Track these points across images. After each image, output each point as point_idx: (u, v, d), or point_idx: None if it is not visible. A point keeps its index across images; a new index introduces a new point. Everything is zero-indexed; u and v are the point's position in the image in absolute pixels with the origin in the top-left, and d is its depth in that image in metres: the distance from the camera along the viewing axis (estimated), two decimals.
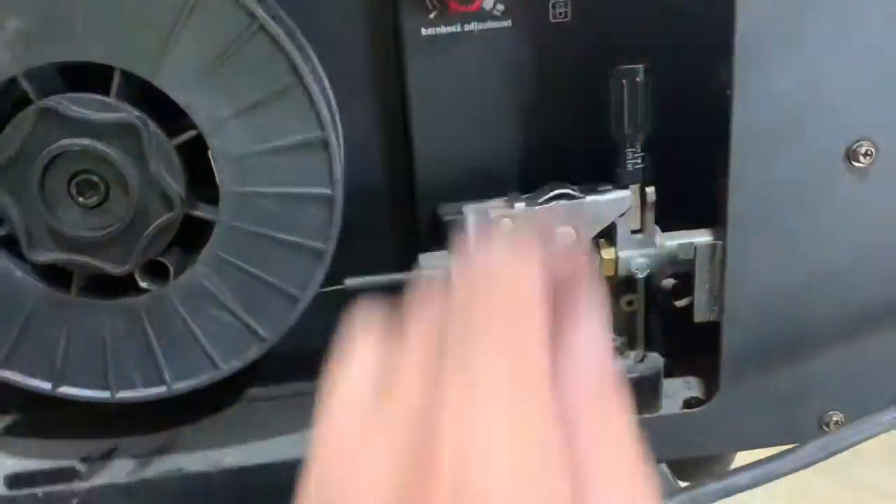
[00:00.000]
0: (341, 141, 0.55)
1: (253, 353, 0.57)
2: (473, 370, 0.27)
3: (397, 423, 0.27)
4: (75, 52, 0.49)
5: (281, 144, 0.52)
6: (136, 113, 0.50)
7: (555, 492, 0.25)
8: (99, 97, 0.50)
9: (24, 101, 0.50)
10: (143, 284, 0.55)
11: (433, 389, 0.27)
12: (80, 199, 0.51)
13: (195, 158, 0.53)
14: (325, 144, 0.52)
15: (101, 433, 0.61)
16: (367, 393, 0.30)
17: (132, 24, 0.49)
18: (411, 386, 0.28)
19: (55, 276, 0.55)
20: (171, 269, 0.54)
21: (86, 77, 0.51)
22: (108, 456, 0.59)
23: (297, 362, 0.64)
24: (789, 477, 0.51)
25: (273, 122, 0.51)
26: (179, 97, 0.50)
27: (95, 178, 0.51)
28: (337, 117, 0.55)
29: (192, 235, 0.55)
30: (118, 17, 0.49)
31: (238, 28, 0.49)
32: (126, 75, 0.50)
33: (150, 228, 0.52)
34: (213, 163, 0.52)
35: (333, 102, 0.55)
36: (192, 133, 0.51)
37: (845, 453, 0.51)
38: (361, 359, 0.31)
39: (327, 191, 0.53)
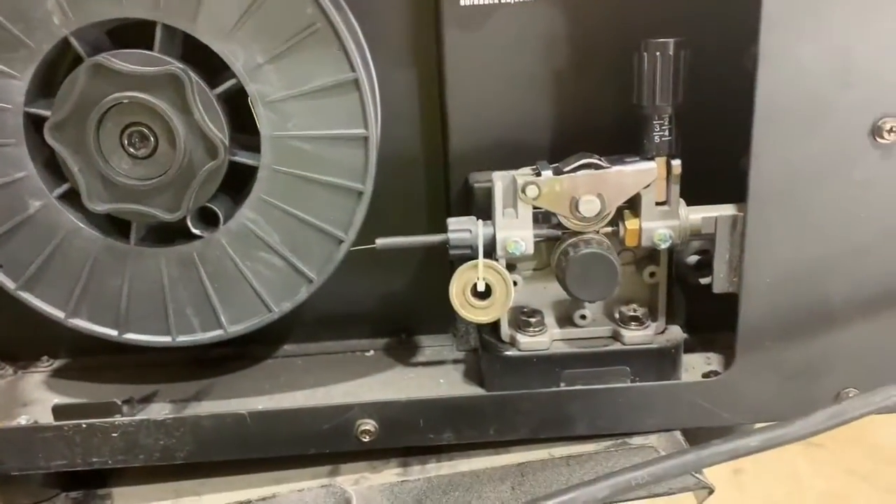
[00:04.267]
0: (375, 85, 0.57)
1: (302, 294, 0.59)
2: None
3: None
4: (119, 10, 0.52)
5: (314, 87, 0.54)
6: (179, 65, 0.53)
7: None
8: (144, 52, 0.53)
9: (77, 62, 0.54)
10: (196, 231, 0.58)
11: None
12: (132, 150, 0.54)
13: (237, 109, 0.56)
14: (357, 84, 0.54)
15: (142, 380, 0.65)
16: None
17: None
18: None
19: (116, 228, 0.59)
20: (221, 215, 0.57)
21: (132, 36, 0.54)
22: (149, 399, 0.63)
23: (325, 322, 0.68)
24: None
25: (305, 66, 0.53)
26: (217, 47, 0.53)
27: (145, 130, 0.54)
28: (370, 63, 0.57)
29: (238, 182, 0.58)
30: None
31: (306, 18, 0.51)
32: (167, 30, 0.53)
33: (197, 176, 0.55)
34: (252, 109, 0.55)
35: (366, 50, 0.57)
36: (232, 82, 0.54)
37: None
38: None
39: (362, 131, 0.55)
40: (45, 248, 0.58)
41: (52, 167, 0.57)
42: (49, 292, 0.59)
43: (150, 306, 0.60)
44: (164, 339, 0.60)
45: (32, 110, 0.55)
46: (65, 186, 0.57)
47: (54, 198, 0.57)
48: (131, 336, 0.60)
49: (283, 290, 0.59)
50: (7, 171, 0.56)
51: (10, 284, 0.59)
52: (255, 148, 0.56)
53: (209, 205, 0.57)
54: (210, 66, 0.54)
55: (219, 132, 0.54)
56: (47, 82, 0.56)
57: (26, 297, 0.59)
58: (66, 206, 0.57)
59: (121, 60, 0.52)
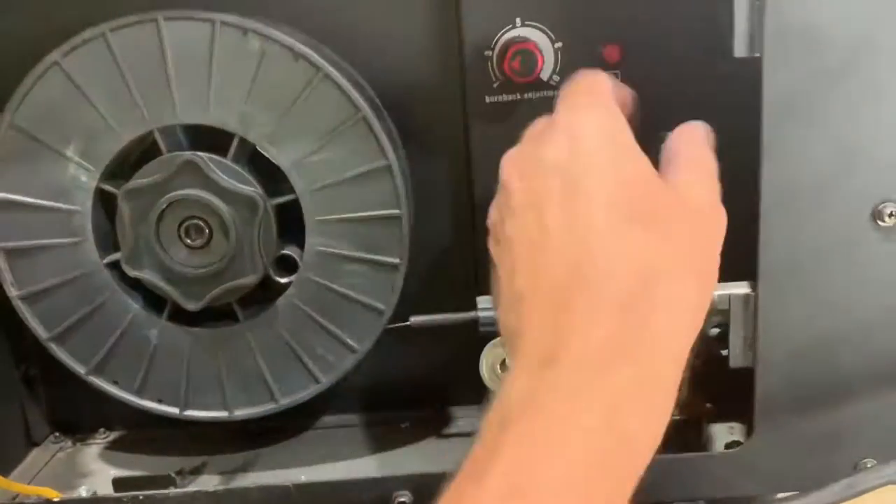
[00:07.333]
0: (407, 170, 0.65)
1: (347, 364, 0.66)
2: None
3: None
4: (207, 118, 0.61)
5: (352, 174, 0.62)
6: (260, 190, 0.61)
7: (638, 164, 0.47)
8: (230, 163, 0.61)
9: (151, 153, 0.62)
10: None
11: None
12: (187, 240, 0.62)
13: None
14: (390, 170, 0.62)
15: (191, 452, 0.70)
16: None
17: (255, 102, 0.60)
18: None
19: (176, 315, 0.65)
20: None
21: (202, 135, 0.62)
22: (198, 470, 0.68)
23: (363, 395, 0.73)
24: None
25: (343, 156, 0.61)
26: (284, 164, 0.61)
27: (202, 225, 0.61)
28: (401, 150, 0.64)
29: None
30: (244, 96, 0.60)
31: (344, 114, 0.61)
32: (242, 141, 0.61)
33: (227, 284, 0.62)
34: (300, 198, 0.62)
35: (398, 140, 0.64)
36: (290, 197, 0.62)
37: None
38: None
39: (396, 211, 0.63)
40: (112, 334, 0.65)
41: None
42: (117, 376, 0.66)
43: (208, 384, 0.66)
44: (221, 415, 0.66)
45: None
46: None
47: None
48: (192, 413, 0.66)
49: (330, 362, 0.66)
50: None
51: (80, 370, 0.65)
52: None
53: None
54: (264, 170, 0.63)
55: (265, 256, 0.62)
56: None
57: (95, 381, 0.65)
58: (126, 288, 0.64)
59: (213, 166, 0.60)
